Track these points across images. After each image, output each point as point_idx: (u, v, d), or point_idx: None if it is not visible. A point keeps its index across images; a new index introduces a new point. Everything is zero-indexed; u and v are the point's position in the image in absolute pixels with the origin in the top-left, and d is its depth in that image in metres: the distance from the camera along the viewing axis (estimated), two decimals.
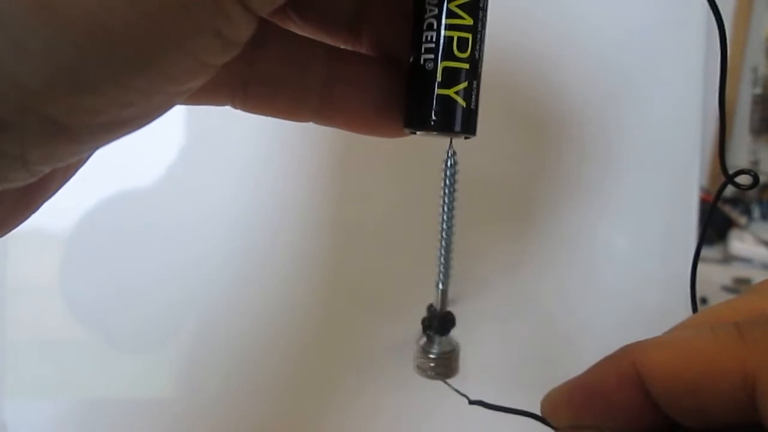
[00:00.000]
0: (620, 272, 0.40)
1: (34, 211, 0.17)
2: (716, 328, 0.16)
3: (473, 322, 0.37)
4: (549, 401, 0.19)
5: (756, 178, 0.21)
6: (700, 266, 0.40)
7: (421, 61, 0.18)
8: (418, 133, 0.19)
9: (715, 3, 0.18)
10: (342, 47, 0.20)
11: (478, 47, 0.18)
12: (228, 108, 0.36)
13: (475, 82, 0.18)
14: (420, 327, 0.22)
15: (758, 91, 1.36)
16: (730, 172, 0.21)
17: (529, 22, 0.37)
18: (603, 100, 0.38)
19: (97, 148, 0.14)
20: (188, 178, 0.36)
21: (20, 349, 0.36)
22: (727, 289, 1.07)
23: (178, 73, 0.13)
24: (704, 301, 0.75)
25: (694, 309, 0.25)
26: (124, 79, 0.13)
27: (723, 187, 0.23)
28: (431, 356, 0.22)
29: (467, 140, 0.20)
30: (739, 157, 1.39)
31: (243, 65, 0.18)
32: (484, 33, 0.18)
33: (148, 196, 0.36)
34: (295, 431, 0.39)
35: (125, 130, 0.14)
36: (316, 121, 0.20)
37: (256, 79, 0.19)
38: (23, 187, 0.15)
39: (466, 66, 0.18)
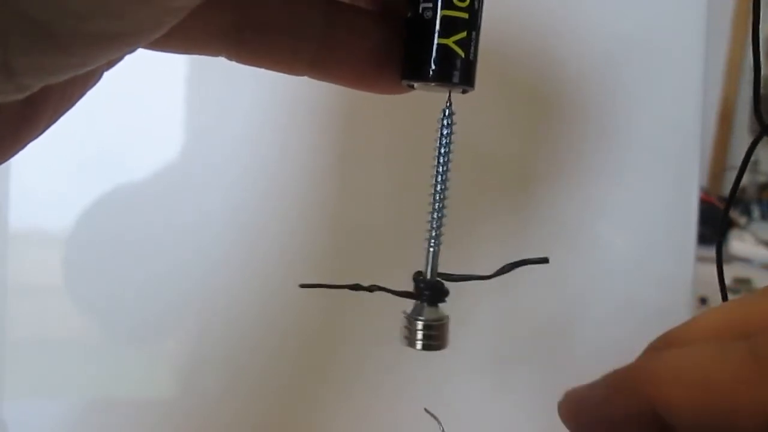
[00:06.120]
0: (619, 271, 0.40)
1: (24, 146, 0.16)
2: (730, 353, 0.15)
3: (466, 308, 0.37)
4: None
5: None
6: (699, 266, 0.40)
7: (420, 11, 0.18)
8: (416, 86, 0.19)
9: None
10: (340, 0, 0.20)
11: None
12: (227, 105, 0.36)
13: (474, 33, 0.18)
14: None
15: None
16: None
17: (527, 22, 0.37)
18: (602, 99, 0.38)
19: (85, 66, 0.14)
20: (187, 178, 0.36)
21: (20, 349, 0.36)
22: (727, 289, 1.07)
23: None
24: (704, 301, 0.75)
25: (723, 296, 0.24)
26: None
27: (759, 137, 0.22)
28: (419, 324, 0.20)
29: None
30: (739, 156, 1.39)
31: (237, 11, 0.18)
32: None
33: (148, 196, 0.36)
34: (295, 430, 0.39)
35: (114, 47, 0.14)
36: (312, 75, 0.19)
37: (250, 27, 0.18)
38: (12, 114, 0.15)
39: (465, 15, 0.18)
